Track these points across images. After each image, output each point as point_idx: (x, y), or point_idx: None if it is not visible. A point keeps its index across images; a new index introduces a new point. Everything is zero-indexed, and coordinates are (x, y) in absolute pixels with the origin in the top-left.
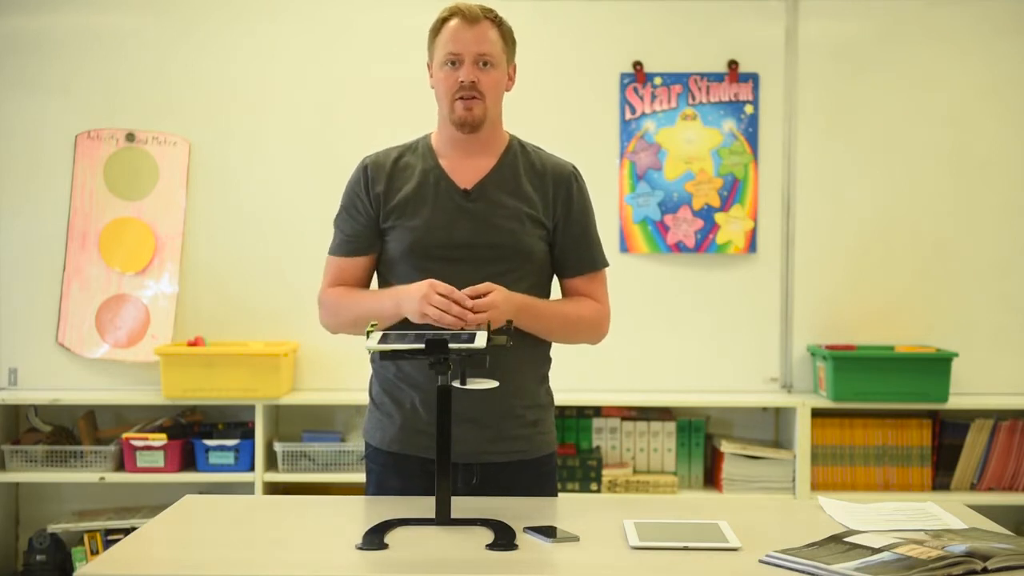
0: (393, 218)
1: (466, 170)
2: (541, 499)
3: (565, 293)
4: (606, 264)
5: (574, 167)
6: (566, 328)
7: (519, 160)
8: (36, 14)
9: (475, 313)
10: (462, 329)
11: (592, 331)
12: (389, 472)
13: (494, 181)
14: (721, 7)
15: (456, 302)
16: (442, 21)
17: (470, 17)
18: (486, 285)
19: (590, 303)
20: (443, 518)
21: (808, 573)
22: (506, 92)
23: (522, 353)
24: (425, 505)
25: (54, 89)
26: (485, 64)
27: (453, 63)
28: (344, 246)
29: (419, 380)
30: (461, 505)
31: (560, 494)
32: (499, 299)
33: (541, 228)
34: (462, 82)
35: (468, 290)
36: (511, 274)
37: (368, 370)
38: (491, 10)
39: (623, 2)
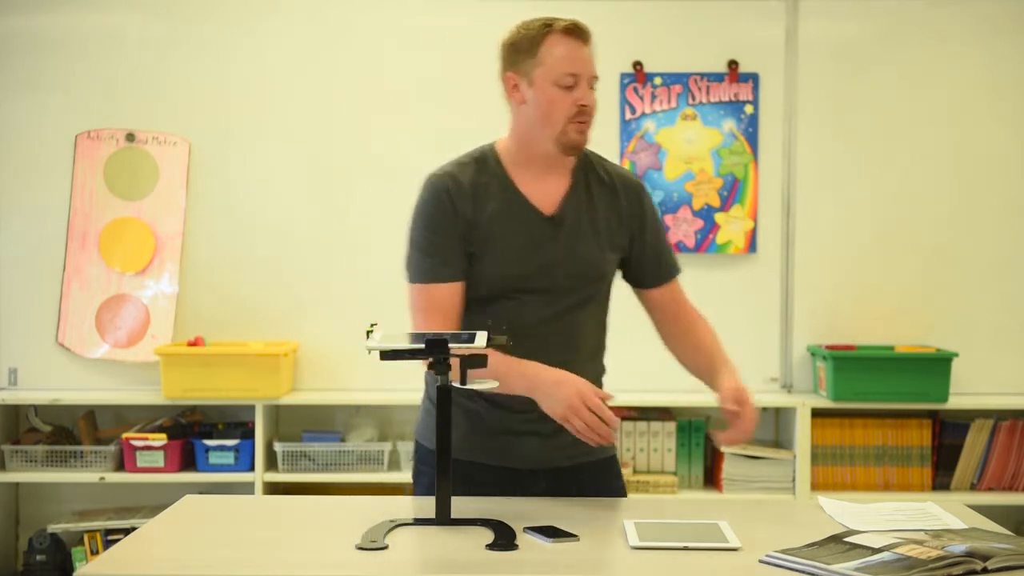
0: (477, 245)
1: (543, 193)
2: (541, 499)
3: (648, 302)
4: (680, 269)
5: (640, 180)
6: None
7: (590, 177)
8: (36, 14)
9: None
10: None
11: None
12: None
13: (572, 205)
14: (721, 7)
15: (606, 421)
16: (545, 33)
17: (585, 36)
18: (740, 391)
19: (702, 321)
20: (443, 518)
21: (808, 573)
22: None
23: (589, 364)
24: (432, 505)
25: (54, 89)
26: (592, 86)
27: (570, 85)
28: (442, 271)
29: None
30: (468, 506)
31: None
32: (749, 412)
33: (617, 249)
34: (583, 106)
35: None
36: (591, 300)
37: (421, 375)
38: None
39: (623, 2)
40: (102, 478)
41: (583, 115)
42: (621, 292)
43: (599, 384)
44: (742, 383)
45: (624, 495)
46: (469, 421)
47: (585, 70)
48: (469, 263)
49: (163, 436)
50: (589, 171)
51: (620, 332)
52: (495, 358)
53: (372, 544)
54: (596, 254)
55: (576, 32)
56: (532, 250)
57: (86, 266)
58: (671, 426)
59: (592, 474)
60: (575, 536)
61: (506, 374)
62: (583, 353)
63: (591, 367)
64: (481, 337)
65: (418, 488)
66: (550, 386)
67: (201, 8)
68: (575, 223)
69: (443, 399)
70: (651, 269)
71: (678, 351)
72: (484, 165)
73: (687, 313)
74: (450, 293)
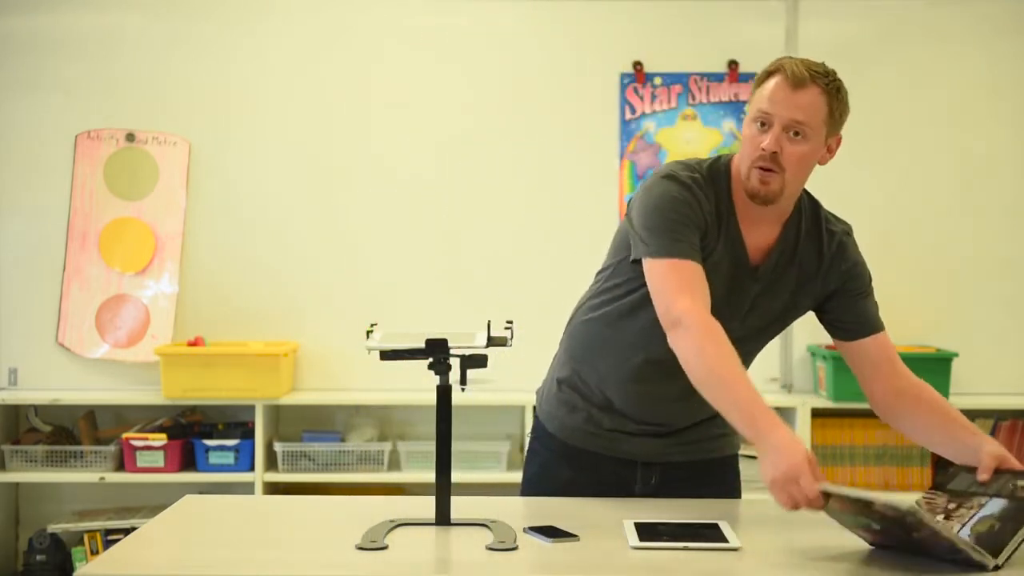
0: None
1: (756, 237)
2: (541, 499)
3: (852, 355)
4: (883, 327)
5: (847, 230)
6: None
7: (800, 228)
8: (36, 14)
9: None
10: None
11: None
12: (559, 460)
13: (777, 255)
14: (721, 7)
15: (813, 502)
16: (768, 74)
17: (794, 78)
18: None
19: (937, 397)
20: (443, 519)
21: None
22: (819, 164)
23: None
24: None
25: (54, 89)
26: (796, 134)
27: (763, 123)
28: (694, 251)
29: (612, 382)
30: (467, 506)
31: None
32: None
33: (811, 299)
34: (763, 149)
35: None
36: (764, 342)
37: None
38: (827, 72)
39: (623, 2)
40: (102, 478)
41: (765, 162)
42: None
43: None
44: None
45: (739, 496)
46: (588, 411)
47: (779, 112)
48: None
49: (163, 436)
50: (801, 222)
51: None
52: (742, 388)
53: (372, 544)
54: (787, 308)
55: (785, 72)
56: (730, 293)
57: (86, 266)
58: None
59: (710, 470)
60: (575, 536)
61: (743, 412)
62: None
63: None
64: (481, 337)
65: (530, 466)
66: (772, 447)
67: (201, 8)
68: (776, 281)
69: (443, 399)
70: (855, 322)
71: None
72: (716, 178)
73: (905, 375)
74: (702, 274)
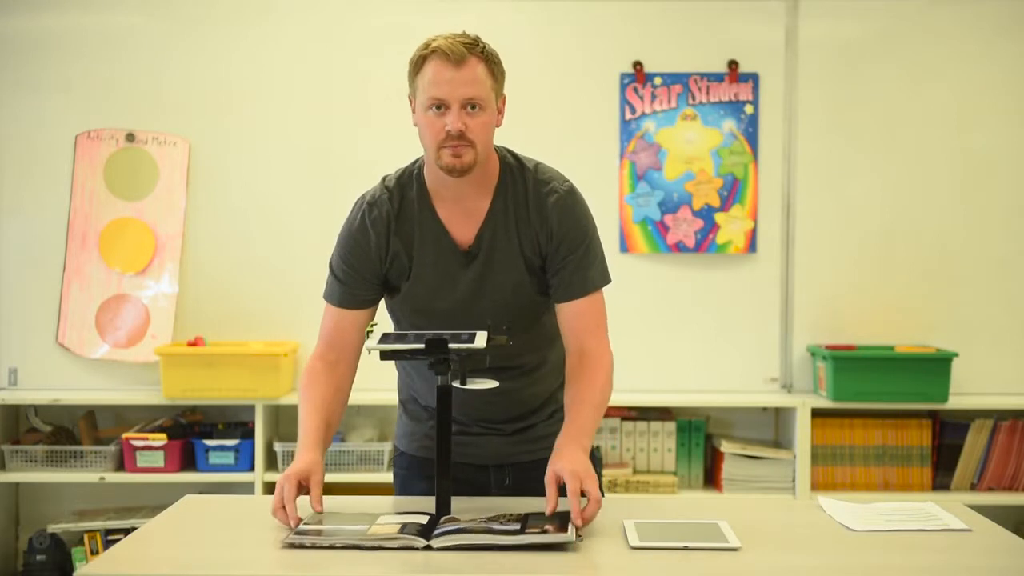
0: (395, 274)
1: (462, 220)
2: (540, 499)
3: (559, 312)
4: (596, 288)
5: (564, 190)
6: (604, 407)
7: (509, 196)
8: (36, 14)
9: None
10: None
11: (609, 386)
12: (414, 475)
13: (489, 232)
14: (721, 7)
15: (286, 518)
16: (422, 59)
17: (454, 57)
18: (574, 482)
19: (597, 372)
20: (442, 516)
21: None
22: (496, 128)
23: (549, 357)
24: (426, 505)
25: (54, 89)
26: (473, 107)
27: (438, 107)
28: (345, 297)
29: (429, 392)
30: (467, 506)
31: None
32: (591, 487)
33: (537, 272)
34: (449, 131)
35: (549, 510)
36: (515, 326)
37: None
38: (475, 41)
39: (623, 2)
40: (102, 478)
41: (453, 140)
42: (620, 293)
43: (550, 399)
44: (581, 466)
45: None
46: (429, 424)
47: (453, 94)
48: (385, 291)
49: (163, 436)
50: (511, 188)
51: (620, 332)
52: (310, 417)
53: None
54: (514, 286)
55: (443, 53)
56: (448, 283)
57: (86, 266)
58: (671, 426)
59: None
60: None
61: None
62: (522, 376)
63: (531, 386)
64: (481, 337)
65: (394, 490)
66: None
67: (201, 8)
68: (492, 256)
69: (443, 399)
70: (563, 284)
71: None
72: (407, 187)
73: (579, 352)
74: (352, 319)
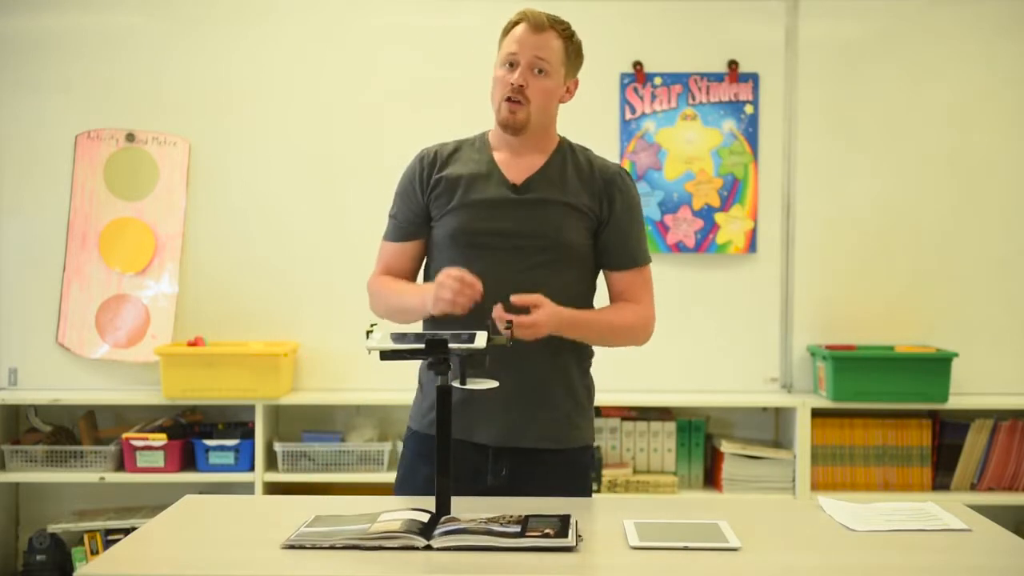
0: (443, 202)
1: (518, 167)
2: (541, 499)
3: (609, 286)
4: (646, 262)
5: (620, 167)
6: (612, 336)
7: (567, 160)
8: (36, 14)
9: (524, 328)
10: (490, 330)
11: (636, 335)
12: (420, 459)
13: (542, 178)
14: (721, 7)
15: (469, 285)
16: (512, 24)
17: (535, 23)
18: (535, 297)
19: (632, 308)
20: (442, 514)
21: None
22: (561, 104)
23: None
24: (426, 505)
25: (54, 89)
26: (540, 71)
27: (511, 64)
28: (396, 231)
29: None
30: (467, 506)
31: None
32: (543, 318)
33: (586, 222)
34: (511, 84)
35: (516, 298)
36: (554, 264)
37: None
38: (562, 22)
39: (623, 2)
40: (102, 478)
41: (513, 93)
42: None
43: (585, 371)
44: (545, 312)
45: (588, 494)
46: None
47: (524, 52)
48: (429, 226)
49: (163, 436)
50: (569, 156)
51: None
52: (402, 288)
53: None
54: (560, 220)
55: (528, 19)
56: (494, 208)
57: (86, 266)
58: (671, 426)
59: (556, 466)
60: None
61: (409, 296)
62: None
63: (552, 357)
64: (481, 337)
65: (399, 469)
66: (432, 286)
67: (200, 8)
68: (542, 193)
69: (443, 399)
70: (614, 253)
71: None
72: (472, 142)
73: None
74: (402, 252)
